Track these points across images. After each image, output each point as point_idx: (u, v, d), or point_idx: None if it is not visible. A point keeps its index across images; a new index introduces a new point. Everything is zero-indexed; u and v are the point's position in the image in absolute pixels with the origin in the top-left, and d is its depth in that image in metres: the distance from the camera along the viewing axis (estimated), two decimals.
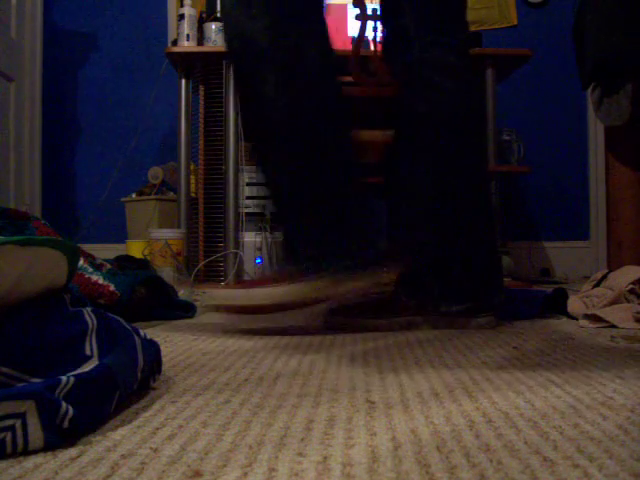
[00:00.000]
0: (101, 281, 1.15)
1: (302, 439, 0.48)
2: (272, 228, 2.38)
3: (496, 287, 1.19)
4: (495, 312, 1.15)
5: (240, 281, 1.19)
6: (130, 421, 0.52)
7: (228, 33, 1.12)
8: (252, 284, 1.12)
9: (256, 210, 2.37)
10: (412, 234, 1.19)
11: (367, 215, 1.14)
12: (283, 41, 1.06)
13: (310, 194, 1.09)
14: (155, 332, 1.09)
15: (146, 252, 1.81)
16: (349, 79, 1.85)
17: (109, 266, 1.22)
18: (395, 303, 1.15)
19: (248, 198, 2.38)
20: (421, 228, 1.18)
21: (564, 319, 1.24)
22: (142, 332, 0.63)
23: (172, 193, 2.62)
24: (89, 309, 0.59)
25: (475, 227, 1.17)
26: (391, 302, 1.16)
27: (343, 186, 1.11)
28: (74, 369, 0.51)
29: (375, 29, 2.03)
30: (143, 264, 1.47)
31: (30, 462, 0.42)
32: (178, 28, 2.41)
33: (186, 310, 1.33)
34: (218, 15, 2.39)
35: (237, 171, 2.37)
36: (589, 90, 1.78)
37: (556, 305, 1.30)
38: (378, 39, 2.02)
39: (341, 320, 1.13)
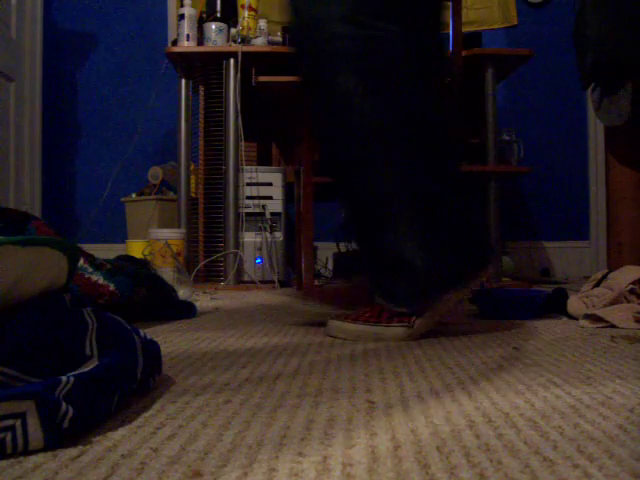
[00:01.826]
0: (101, 281, 1.15)
1: (302, 439, 0.48)
2: (272, 229, 2.38)
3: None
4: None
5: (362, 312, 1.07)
6: (130, 421, 0.52)
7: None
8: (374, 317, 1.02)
9: (256, 210, 2.37)
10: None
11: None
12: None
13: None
14: (155, 332, 1.09)
15: (146, 252, 1.81)
16: None
17: (109, 266, 1.22)
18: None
19: (248, 198, 2.38)
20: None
21: (564, 319, 1.24)
22: (142, 332, 0.63)
23: (172, 193, 2.62)
24: (89, 309, 0.59)
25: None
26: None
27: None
28: (74, 369, 0.51)
29: None
30: (143, 264, 1.47)
31: (30, 462, 0.42)
32: (178, 28, 2.41)
33: (186, 310, 1.32)
34: (218, 15, 2.39)
35: (237, 171, 2.37)
36: (589, 90, 1.78)
37: (556, 305, 1.29)
38: None
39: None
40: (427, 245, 1.00)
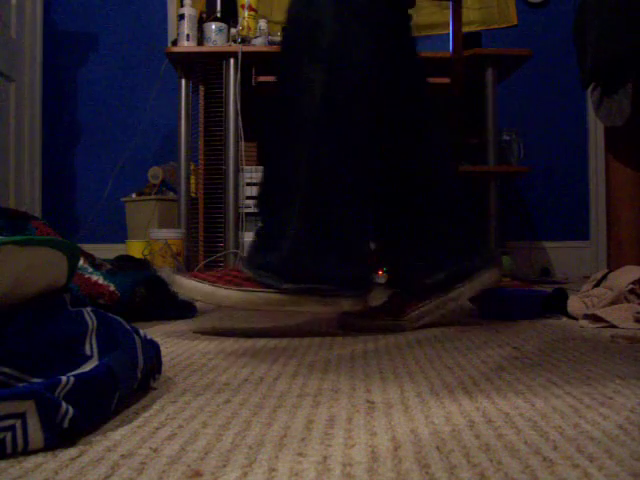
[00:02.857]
0: (101, 281, 1.15)
1: (302, 439, 0.48)
2: None
3: (475, 250, 1.20)
4: (474, 277, 1.17)
5: (205, 272, 1.14)
6: (130, 421, 0.52)
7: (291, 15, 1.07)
8: (217, 279, 1.05)
9: (256, 210, 2.37)
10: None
11: (362, 234, 1.11)
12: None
13: (322, 194, 1.04)
14: (155, 332, 1.09)
15: (146, 252, 1.81)
16: None
17: (109, 266, 1.22)
18: (397, 304, 1.16)
19: (248, 198, 2.38)
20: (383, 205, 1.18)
21: (564, 319, 1.24)
22: (142, 332, 0.63)
23: (172, 193, 2.62)
24: (89, 309, 0.59)
25: (434, 195, 1.16)
26: (393, 303, 1.16)
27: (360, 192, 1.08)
28: (74, 369, 0.51)
29: None
30: (143, 264, 1.47)
31: (30, 462, 0.42)
32: (178, 28, 2.41)
33: (186, 310, 1.32)
34: (218, 15, 2.39)
35: (237, 171, 2.37)
36: (589, 90, 1.78)
37: (556, 305, 1.29)
38: None
39: (353, 320, 1.13)
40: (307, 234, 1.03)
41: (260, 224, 1.10)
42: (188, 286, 1.04)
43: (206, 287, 1.03)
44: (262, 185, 1.11)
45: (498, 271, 1.18)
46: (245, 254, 1.12)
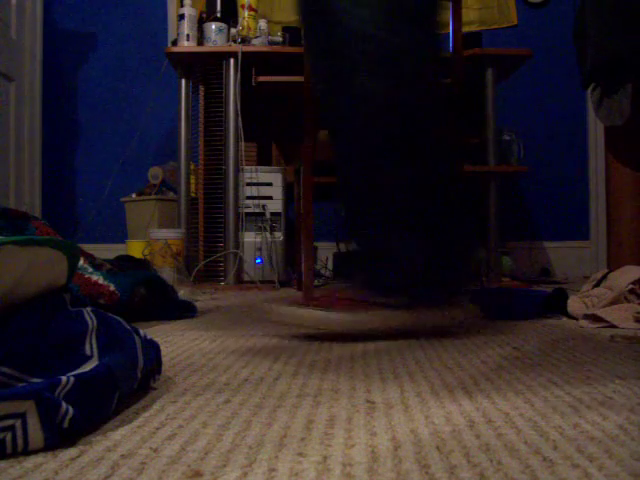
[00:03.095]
0: (101, 281, 1.15)
1: (302, 439, 0.48)
2: (272, 229, 2.38)
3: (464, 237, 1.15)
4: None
5: (310, 297, 1.10)
6: (130, 421, 0.52)
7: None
8: (324, 303, 1.03)
9: (256, 210, 2.37)
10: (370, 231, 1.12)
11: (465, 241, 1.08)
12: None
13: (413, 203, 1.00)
14: (155, 332, 1.09)
15: (146, 252, 1.81)
16: None
17: (109, 266, 1.22)
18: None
19: (248, 198, 2.38)
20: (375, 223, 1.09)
21: (564, 319, 1.24)
22: (142, 332, 0.63)
23: (172, 193, 2.62)
24: (89, 309, 0.59)
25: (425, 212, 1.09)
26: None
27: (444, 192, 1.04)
28: (74, 369, 0.51)
29: None
30: (143, 264, 1.47)
31: (30, 462, 0.42)
32: (178, 28, 2.41)
33: (186, 310, 1.32)
34: (218, 15, 2.39)
35: (237, 171, 2.37)
36: (589, 90, 1.78)
37: (556, 305, 1.29)
38: None
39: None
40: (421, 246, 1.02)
41: (366, 246, 1.07)
42: (316, 317, 1.00)
43: (334, 315, 1.00)
44: (353, 207, 1.08)
45: (478, 246, 1.15)
46: (353, 276, 1.08)
